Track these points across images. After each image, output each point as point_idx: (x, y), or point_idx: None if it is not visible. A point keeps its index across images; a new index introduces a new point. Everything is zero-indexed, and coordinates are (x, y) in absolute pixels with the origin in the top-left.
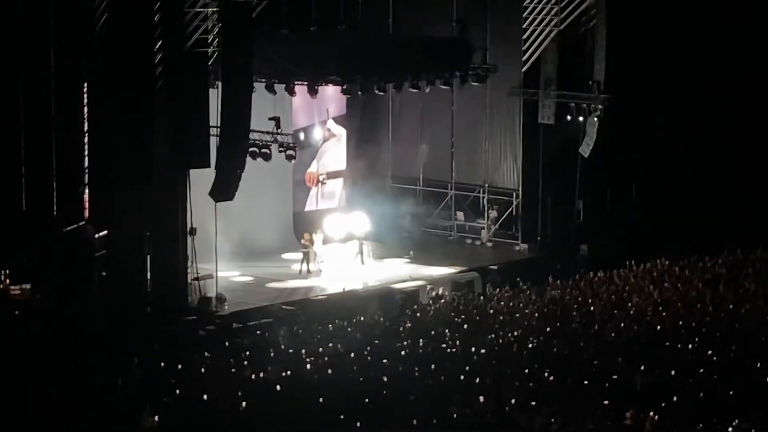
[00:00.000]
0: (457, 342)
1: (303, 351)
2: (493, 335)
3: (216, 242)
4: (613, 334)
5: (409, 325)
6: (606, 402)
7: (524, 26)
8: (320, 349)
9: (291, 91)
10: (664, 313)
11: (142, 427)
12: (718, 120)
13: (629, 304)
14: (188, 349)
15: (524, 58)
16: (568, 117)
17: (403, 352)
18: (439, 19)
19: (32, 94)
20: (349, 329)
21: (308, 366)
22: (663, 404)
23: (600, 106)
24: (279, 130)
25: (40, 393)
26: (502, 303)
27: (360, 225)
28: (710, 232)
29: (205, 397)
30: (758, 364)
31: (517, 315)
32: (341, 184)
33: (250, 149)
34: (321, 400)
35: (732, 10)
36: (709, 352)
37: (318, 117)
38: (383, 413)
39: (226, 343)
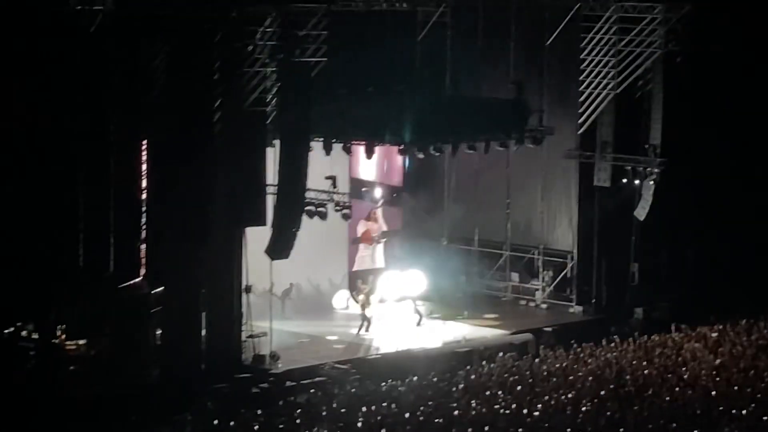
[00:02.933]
0: (511, 403)
1: (356, 410)
2: (546, 397)
3: (271, 300)
4: (667, 398)
5: (462, 385)
6: None
7: (581, 89)
8: (373, 408)
9: (348, 151)
10: (718, 378)
11: None
12: None
13: (683, 369)
14: (241, 407)
15: (580, 120)
16: (624, 180)
17: (456, 413)
18: (495, 80)
19: (90, 150)
20: (401, 389)
21: (360, 425)
22: None
23: (656, 170)
24: (335, 189)
25: None
26: (556, 365)
27: (416, 284)
28: (766, 297)
29: None
30: None
31: (571, 377)
32: (383, 246)
33: (307, 208)
34: None
35: None
36: (765, 417)
37: (376, 176)
38: None
39: (280, 402)
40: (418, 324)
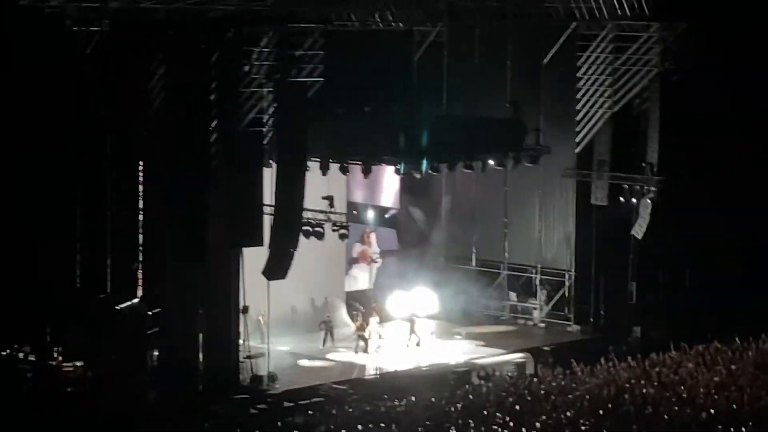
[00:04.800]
0: (509, 423)
1: (354, 431)
2: (545, 416)
3: (268, 321)
4: (665, 417)
5: (460, 405)
6: None
7: (577, 107)
8: (370, 426)
9: (345, 171)
10: (716, 397)
11: None
12: None
13: (682, 387)
14: (239, 428)
15: (577, 139)
16: (622, 199)
17: None
18: (492, 99)
19: (87, 172)
20: (400, 409)
21: None
22: None
23: (653, 188)
24: (332, 209)
25: None
26: (554, 384)
27: (426, 303)
28: (764, 316)
29: None
30: None
31: (569, 396)
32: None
33: (304, 228)
34: None
35: None
36: None
37: (372, 198)
38: None
39: (278, 423)
40: (418, 344)
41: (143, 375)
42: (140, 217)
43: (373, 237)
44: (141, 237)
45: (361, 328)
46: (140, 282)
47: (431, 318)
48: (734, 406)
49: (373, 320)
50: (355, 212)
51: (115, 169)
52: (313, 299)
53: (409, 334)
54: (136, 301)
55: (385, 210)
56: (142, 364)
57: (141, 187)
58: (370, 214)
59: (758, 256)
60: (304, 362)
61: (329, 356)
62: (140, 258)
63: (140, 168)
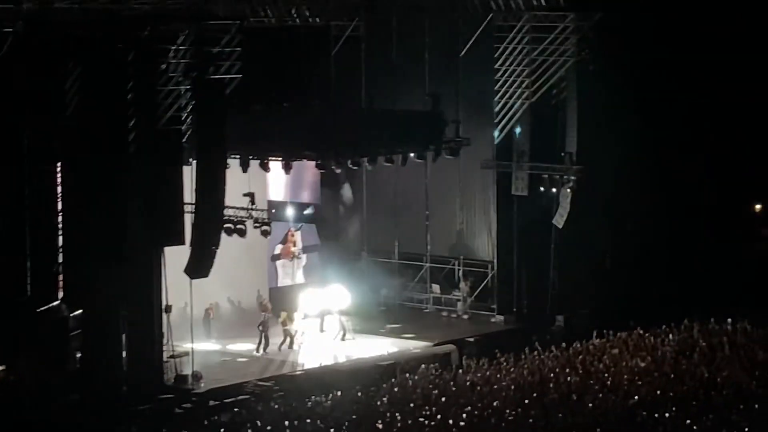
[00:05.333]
0: (435, 415)
1: (281, 428)
2: (470, 407)
3: (192, 319)
4: (590, 405)
5: (386, 398)
6: None
7: (496, 99)
8: (296, 423)
9: (265, 167)
10: (640, 383)
11: None
12: (689, 188)
13: (606, 375)
14: (165, 428)
15: (497, 130)
16: (542, 188)
17: (380, 426)
18: (411, 93)
19: (4, 174)
20: (326, 404)
21: None
22: None
23: (573, 177)
24: (254, 206)
25: None
26: (479, 375)
27: (338, 298)
28: (685, 302)
29: None
30: None
31: (495, 387)
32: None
33: (225, 225)
34: None
35: (697, 81)
36: (687, 421)
37: (292, 195)
38: None
39: (204, 421)
40: (343, 339)
41: (66, 377)
42: (60, 219)
43: (297, 235)
44: (61, 238)
45: (285, 324)
46: (61, 284)
47: (353, 314)
48: (658, 392)
49: (297, 316)
50: (273, 211)
51: (32, 170)
52: (237, 296)
53: (338, 330)
54: (57, 303)
55: (306, 206)
56: (64, 366)
57: (59, 188)
58: (290, 212)
59: (678, 242)
60: (228, 360)
61: (253, 354)
62: (60, 259)
63: (58, 168)
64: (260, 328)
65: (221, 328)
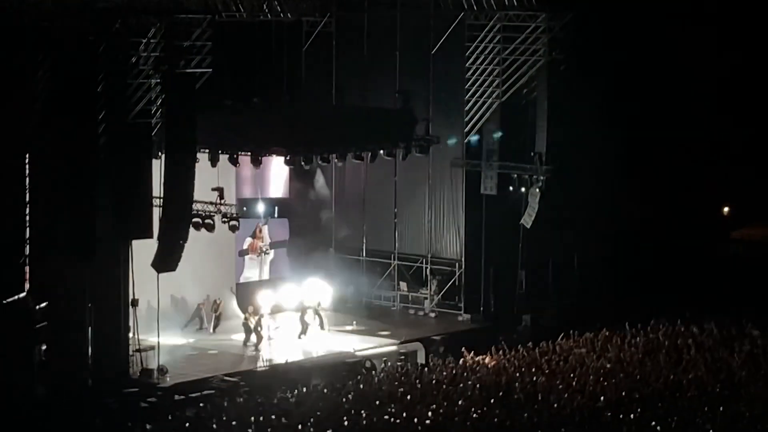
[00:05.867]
0: (401, 412)
1: (246, 423)
2: (435, 406)
3: (158, 313)
4: (555, 405)
5: (352, 395)
6: None
7: (466, 97)
8: (261, 418)
9: (234, 162)
10: (605, 384)
11: None
12: (659, 189)
13: (571, 375)
14: (130, 422)
15: (466, 129)
16: (511, 188)
17: (346, 423)
18: (381, 90)
19: None
20: (292, 400)
21: None
22: None
23: (542, 177)
24: (222, 201)
25: None
26: (445, 373)
27: (317, 292)
28: (652, 303)
29: None
30: None
31: (460, 385)
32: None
33: (194, 220)
34: None
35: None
36: (652, 423)
37: (261, 191)
38: None
39: (169, 416)
40: (321, 328)
41: (31, 370)
42: (27, 211)
43: (265, 230)
44: (28, 230)
45: (247, 320)
46: (27, 276)
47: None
48: (623, 393)
49: (264, 312)
50: (245, 208)
51: (0, 161)
52: (204, 291)
53: (319, 323)
54: (23, 295)
55: (275, 201)
56: (29, 358)
57: (27, 180)
58: (260, 208)
59: (646, 243)
60: (194, 354)
61: (219, 348)
62: (27, 251)
63: (26, 160)
64: (213, 307)
65: (188, 324)
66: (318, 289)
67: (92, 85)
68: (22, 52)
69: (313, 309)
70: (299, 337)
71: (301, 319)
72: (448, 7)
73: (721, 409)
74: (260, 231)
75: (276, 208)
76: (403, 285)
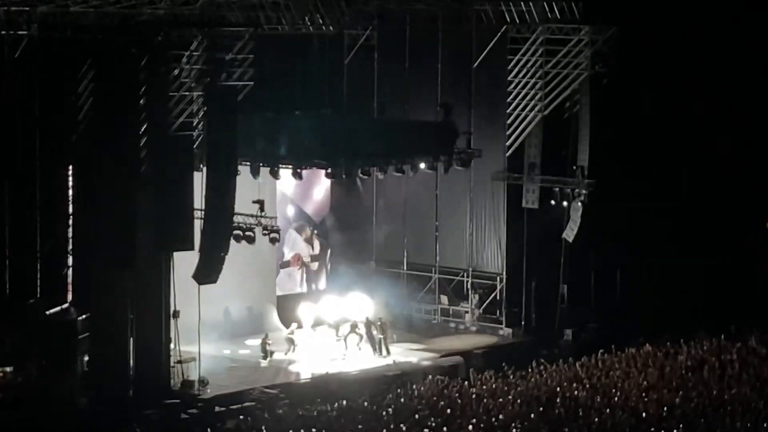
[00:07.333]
0: (441, 426)
1: None
2: (475, 420)
3: (199, 325)
4: (596, 420)
5: (392, 409)
6: None
7: (508, 111)
8: (301, 431)
9: (275, 175)
10: (647, 399)
11: None
12: (702, 203)
13: (614, 390)
14: None
15: (508, 142)
16: (552, 201)
17: None
18: (423, 103)
19: (16, 176)
20: (331, 413)
21: None
22: None
23: (584, 191)
24: (263, 213)
25: None
26: (485, 387)
27: (363, 307)
28: (695, 318)
29: None
30: None
31: (501, 400)
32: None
33: (234, 232)
34: None
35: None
36: None
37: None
38: None
39: (208, 428)
40: (388, 352)
41: (73, 380)
42: (70, 222)
43: (315, 238)
44: (71, 242)
45: (292, 332)
46: (70, 287)
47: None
48: (665, 408)
49: (306, 324)
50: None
51: (44, 172)
52: (245, 303)
53: (378, 340)
54: (65, 306)
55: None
56: (72, 369)
57: (71, 192)
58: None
59: (689, 257)
60: (235, 366)
61: (260, 361)
62: (70, 263)
63: (70, 172)
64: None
65: (229, 336)
66: (361, 303)
67: (135, 97)
68: (66, 63)
69: (377, 323)
70: (381, 354)
71: (368, 333)
72: (490, 21)
73: (765, 425)
74: (308, 233)
75: (317, 221)
76: (444, 298)
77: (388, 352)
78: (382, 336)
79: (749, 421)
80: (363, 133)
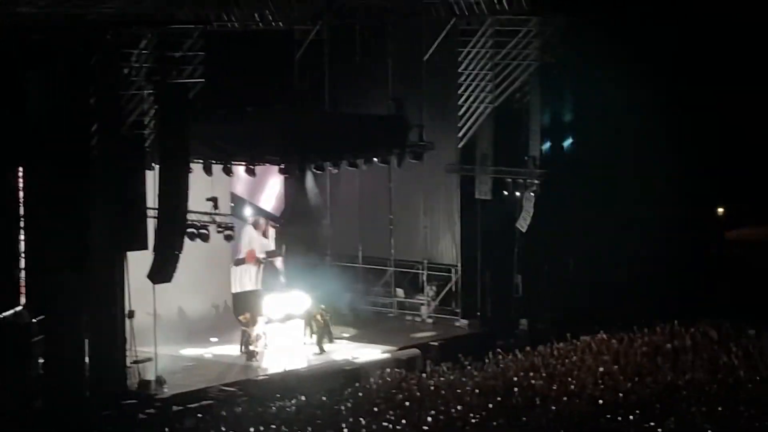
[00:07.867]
0: (400, 419)
1: None
2: (434, 412)
3: (155, 324)
4: (554, 408)
5: (351, 403)
6: None
7: (459, 103)
8: (261, 428)
9: (228, 172)
10: (603, 386)
11: None
12: (653, 190)
13: (570, 378)
14: None
15: (460, 134)
16: (505, 192)
17: (345, 430)
18: (374, 97)
19: None
20: (290, 409)
21: None
22: None
23: (536, 181)
24: (217, 211)
25: None
26: (443, 379)
27: (300, 304)
28: (649, 305)
29: None
30: None
31: (459, 391)
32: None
33: (188, 230)
34: None
35: (660, 84)
36: (651, 424)
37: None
38: None
39: (166, 428)
40: (331, 341)
41: (29, 384)
42: (21, 224)
43: (270, 229)
44: (22, 244)
45: (245, 326)
46: (23, 289)
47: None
48: (621, 395)
49: (261, 320)
50: (232, 204)
51: None
52: (201, 301)
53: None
54: (19, 308)
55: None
56: (26, 372)
57: (21, 193)
58: (250, 211)
59: (641, 245)
60: (191, 365)
61: (217, 359)
62: (22, 265)
63: (20, 173)
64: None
65: (184, 334)
66: (312, 297)
67: (84, 97)
68: (13, 63)
69: (320, 315)
70: (319, 347)
71: (308, 324)
72: (439, 13)
73: (719, 409)
74: (265, 227)
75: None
76: (400, 291)
77: (322, 350)
78: (317, 332)
79: (704, 405)
80: (316, 128)
